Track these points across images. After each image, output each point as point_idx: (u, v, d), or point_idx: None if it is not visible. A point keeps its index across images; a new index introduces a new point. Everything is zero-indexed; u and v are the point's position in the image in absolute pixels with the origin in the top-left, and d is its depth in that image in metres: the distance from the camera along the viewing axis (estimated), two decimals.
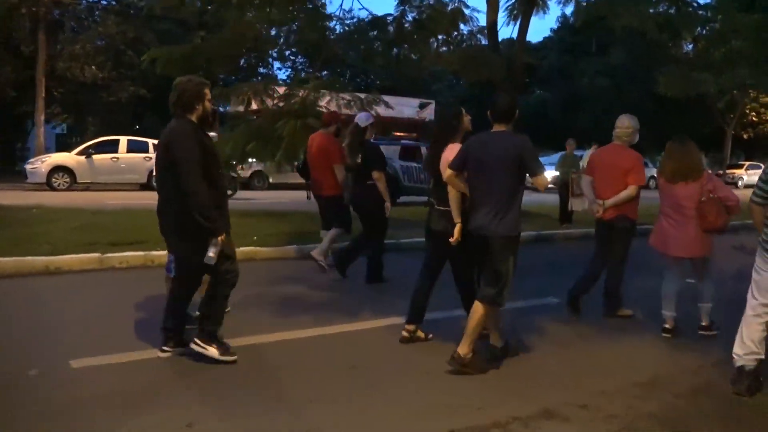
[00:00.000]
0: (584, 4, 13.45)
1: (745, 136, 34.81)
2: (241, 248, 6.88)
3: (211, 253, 3.71)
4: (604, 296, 5.35)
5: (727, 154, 36.77)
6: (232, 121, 9.10)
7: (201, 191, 3.65)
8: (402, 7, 11.73)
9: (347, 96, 10.23)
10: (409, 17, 11.79)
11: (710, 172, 5.06)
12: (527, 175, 3.89)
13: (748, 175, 32.71)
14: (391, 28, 11.95)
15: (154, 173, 4.27)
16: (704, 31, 16.79)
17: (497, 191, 3.82)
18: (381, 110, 10.92)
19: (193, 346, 3.89)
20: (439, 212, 4.29)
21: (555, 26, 40.14)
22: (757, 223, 3.76)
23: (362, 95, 10.09)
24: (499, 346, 4.13)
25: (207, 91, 3.92)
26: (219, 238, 3.73)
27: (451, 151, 4.10)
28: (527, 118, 43.50)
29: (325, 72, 38.14)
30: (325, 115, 7.13)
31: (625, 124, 5.18)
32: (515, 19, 13.64)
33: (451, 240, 4.07)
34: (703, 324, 4.88)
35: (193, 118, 3.86)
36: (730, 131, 34.15)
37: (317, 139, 6.75)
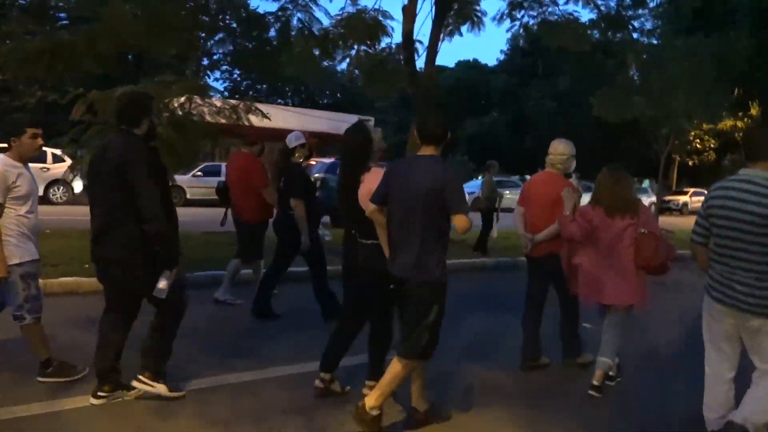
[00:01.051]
0: (519, 25, 13.19)
1: (690, 163, 35.31)
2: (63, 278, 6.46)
3: (162, 284, 3.47)
4: (561, 339, 4.81)
5: (673, 180, 37.16)
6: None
7: (162, 217, 3.43)
8: (287, 7, 11.09)
9: (218, 103, 9.10)
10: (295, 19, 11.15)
11: (649, 201, 4.72)
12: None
13: (692, 202, 33.20)
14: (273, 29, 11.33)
15: (87, 192, 3.75)
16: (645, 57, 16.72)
17: (420, 229, 3.29)
18: (322, 126, 9.96)
19: (136, 383, 3.60)
20: (364, 247, 3.70)
21: (505, 48, 40.18)
22: (702, 264, 3.32)
23: (235, 102, 8.95)
24: (421, 409, 3.56)
25: (153, 104, 3.77)
26: (174, 270, 3.52)
27: (374, 177, 3.57)
28: (479, 140, 44.00)
29: (264, 85, 37.64)
30: (249, 133, 6.69)
31: (559, 149, 4.66)
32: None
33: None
34: (595, 383, 4.23)
35: (140, 132, 3.60)
36: (676, 158, 34.60)
37: (237, 160, 6.31)
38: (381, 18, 11.66)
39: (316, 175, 16.87)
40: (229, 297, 6.19)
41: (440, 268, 3.30)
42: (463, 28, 12.67)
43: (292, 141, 5.76)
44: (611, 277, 4.15)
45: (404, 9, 11.39)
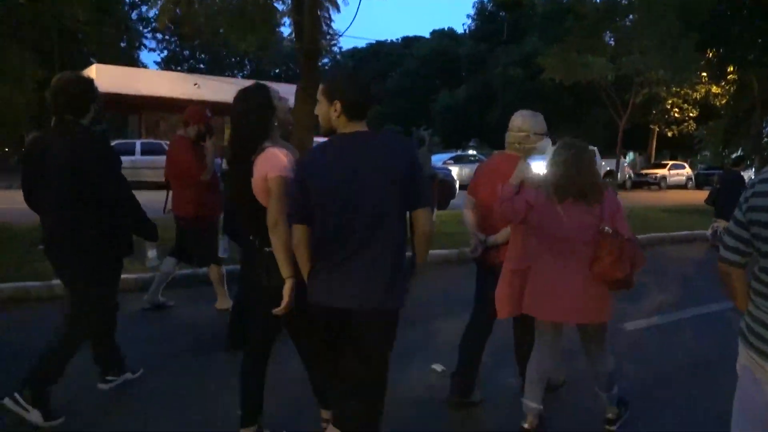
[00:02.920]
0: None
1: (669, 134, 33.23)
2: None
3: (151, 254, 3.90)
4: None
5: (652, 152, 35.15)
6: None
7: (134, 198, 3.60)
8: None
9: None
10: None
11: (611, 189, 3.47)
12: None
13: (671, 176, 31.74)
14: None
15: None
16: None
17: (379, 236, 2.45)
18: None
19: (8, 402, 3.20)
20: (269, 258, 2.75)
21: (471, 13, 37.60)
22: (738, 295, 2.19)
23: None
24: None
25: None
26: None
27: (271, 160, 2.69)
28: (451, 113, 41.86)
29: (205, 55, 35.25)
30: (187, 112, 5.69)
31: (516, 124, 3.63)
32: None
33: (276, 311, 2.69)
34: (609, 416, 3.51)
35: (86, 121, 3.41)
36: (655, 128, 32.76)
37: (172, 144, 5.62)
38: None
39: None
40: (159, 300, 5.64)
41: (405, 287, 2.56)
42: None
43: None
44: (562, 286, 3.22)
45: None
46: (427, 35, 52.07)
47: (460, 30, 49.01)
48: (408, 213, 2.54)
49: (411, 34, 75.83)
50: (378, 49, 55.39)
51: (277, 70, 37.47)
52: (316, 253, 2.55)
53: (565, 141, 3.37)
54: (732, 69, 19.94)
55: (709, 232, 11.28)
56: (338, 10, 13.98)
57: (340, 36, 16.18)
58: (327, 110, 2.51)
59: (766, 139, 19.90)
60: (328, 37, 15.57)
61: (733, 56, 18.89)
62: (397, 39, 56.75)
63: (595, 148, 13.76)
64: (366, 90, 2.54)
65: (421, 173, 2.52)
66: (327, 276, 2.51)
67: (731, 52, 18.42)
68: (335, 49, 33.40)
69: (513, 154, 3.59)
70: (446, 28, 49.56)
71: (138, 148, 18.11)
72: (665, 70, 14.30)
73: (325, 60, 33.22)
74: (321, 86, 2.56)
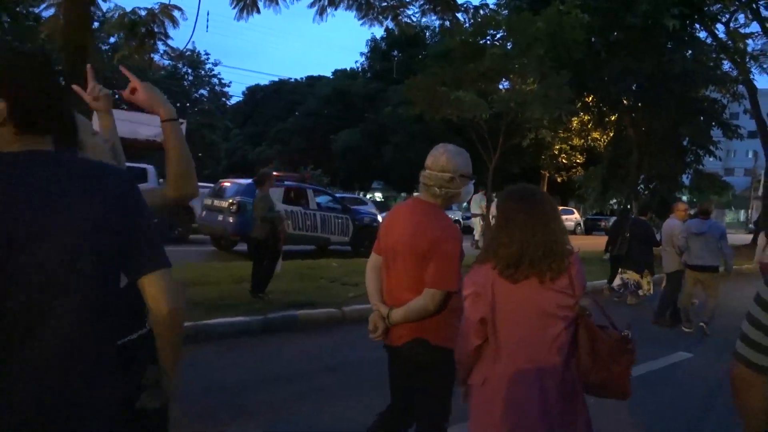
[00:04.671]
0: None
1: (559, 179, 32.97)
2: None
3: None
4: None
5: None
6: None
7: None
8: None
9: None
10: None
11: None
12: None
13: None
14: None
15: None
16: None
17: (21, 322, 1.43)
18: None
19: None
20: None
21: (365, 50, 36.78)
22: (753, 413, 1.66)
23: None
24: None
25: None
26: None
27: None
28: (350, 153, 40.55)
29: None
30: None
31: (441, 163, 2.85)
32: None
33: None
34: None
35: None
36: (545, 173, 32.66)
37: None
38: None
39: (231, 199, 14.14)
40: None
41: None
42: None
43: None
44: (539, 404, 2.24)
45: None
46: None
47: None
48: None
49: (316, 73, 74.70)
50: (280, 87, 53.83)
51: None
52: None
53: (514, 189, 2.45)
54: (608, 113, 19.48)
55: (616, 284, 10.57)
56: (174, 24, 12.50)
57: (180, 52, 14.23)
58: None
59: (641, 186, 19.40)
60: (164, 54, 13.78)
61: (608, 99, 18.36)
62: (302, 78, 55.43)
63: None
64: (47, 81, 1.56)
65: (145, 220, 1.60)
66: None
67: (606, 95, 17.86)
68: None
69: (428, 202, 2.87)
70: (348, 68, 48.71)
71: None
72: (538, 109, 13.27)
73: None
74: None
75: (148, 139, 21.15)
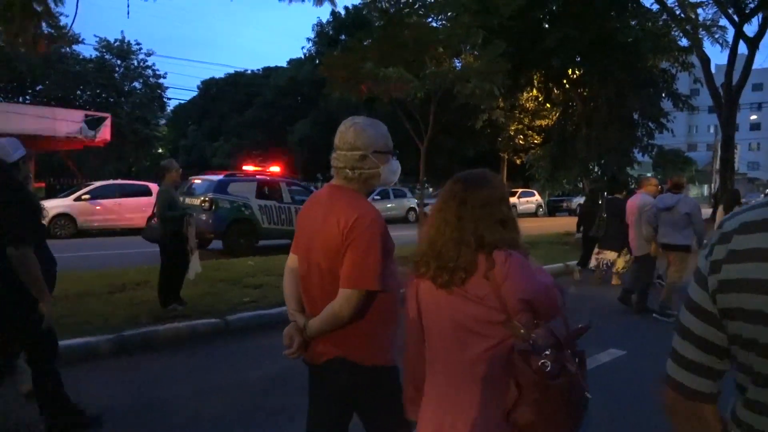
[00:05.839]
0: None
1: (518, 162, 32.00)
2: None
3: None
4: None
5: (504, 180, 34.24)
6: None
7: None
8: None
9: None
10: None
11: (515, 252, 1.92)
12: None
13: (521, 203, 31.45)
14: None
15: None
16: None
17: None
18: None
19: None
20: None
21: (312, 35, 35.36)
22: None
23: None
24: None
25: None
26: None
27: None
28: (308, 143, 39.19)
29: None
30: None
31: (348, 140, 2.44)
32: None
33: None
34: None
35: None
36: (505, 156, 31.77)
37: None
38: None
39: (202, 197, 14.05)
40: None
41: None
42: None
43: (9, 151, 3.95)
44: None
45: None
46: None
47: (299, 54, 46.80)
48: None
49: (273, 63, 72.92)
50: (237, 79, 52.11)
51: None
52: None
53: (461, 176, 2.06)
54: (554, 88, 18.43)
55: (592, 264, 10.42)
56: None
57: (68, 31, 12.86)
58: None
59: (592, 164, 18.40)
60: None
61: (552, 74, 17.31)
62: (258, 69, 53.65)
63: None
64: None
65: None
66: None
67: (549, 69, 16.82)
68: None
69: (342, 187, 2.45)
70: (304, 56, 47.13)
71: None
72: (467, 85, 12.18)
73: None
74: None
75: (68, 135, 19.88)
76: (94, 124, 20.17)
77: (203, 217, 13.69)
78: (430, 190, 36.95)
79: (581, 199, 21.89)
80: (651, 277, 8.51)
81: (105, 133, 20.12)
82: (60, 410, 4.08)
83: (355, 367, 2.35)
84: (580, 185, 19.54)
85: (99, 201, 19.16)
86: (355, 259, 2.25)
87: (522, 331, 1.80)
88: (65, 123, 19.24)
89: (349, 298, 2.25)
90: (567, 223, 20.77)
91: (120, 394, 4.99)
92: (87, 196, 18.86)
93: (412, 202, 27.49)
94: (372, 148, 2.38)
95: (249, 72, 53.75)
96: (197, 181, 15.33)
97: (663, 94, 17.50)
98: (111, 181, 21.12)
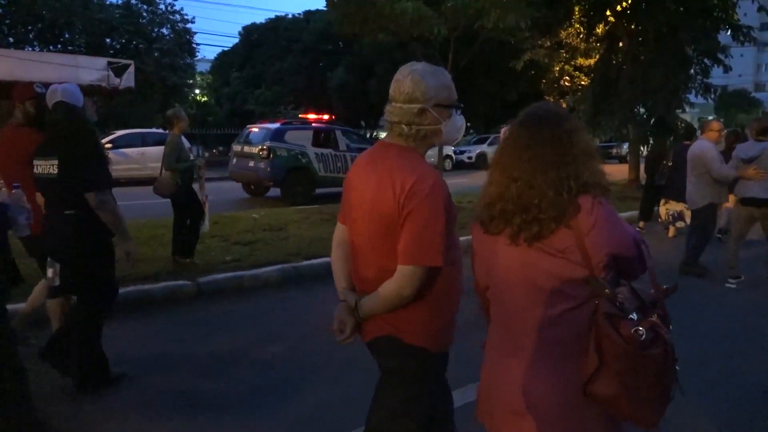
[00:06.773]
0: None
1: (564, 105, 30.13)
2: None
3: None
4: None
5: None
6: None
7: None
8: None
9: None
10: None
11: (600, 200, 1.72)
12: None
13: None
14: None
15: None
16: None
17: None
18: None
19: None
20: None
21: None
22: None
23: None
24: None
25: None
26: None
27: None
28: (348, 89, 38.10)
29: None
30: (16, 90, 4.60)
31: (405, 90, 2.19)
32: None
33: None
34: None
35: None
36: (550, 99, 30.00)
37: (5, 133, 4.67)
38: None
39: (260, 145, 14.42)
40: None
41: None
42: None
43: (79, 96, 4.15)
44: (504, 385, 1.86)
45: None
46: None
47: None
48: None
49: (314, 6, 71.07)
50: (277, 24, 50.84)
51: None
52: None
53: (520, 119, 1.97)
54: (599, 23, 16.63)
55: (663, 215, 10.08)
56: None
57: None
58: None
59: (638, 107, 16.70)
60: None
61: (599, 5, 15.57)
62: (299, 13, 52.19)
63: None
64: None
65: None
66: None
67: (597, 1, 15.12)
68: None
69: (396, 145, 2.21)
70: None
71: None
72: (491, 17, 10.89)
73: None
74: None
75: (91, 83, 19.32)
76: (118, 71, 19.62)
77: (261, 165, 14.00)
78: (473, 134, 35.43)
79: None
80: (710, 232, 7.66)
81: (129, 80, 19.53)
82: (89, 362, 4.07)
83: (400, 346, 2.20)
84: (625, 131, 17.91)
85: (121, 150, 18.75)
86: (415, 232, 2.05)
87: (607, 290, 1.66)
88: (88, 71, 18.72)
89: (409, 276, 2.06)
90: (617, 170, 19.29)
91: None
92: (109, 146, 18.47)
93: (448, 149, 26.23)
94: (433, 100, 2.15)
95: (290, 16, 52.54)
96: (254, 130, 15.32)
97: (721, 26, 15.50)
98: (133, 130, 20.70)
